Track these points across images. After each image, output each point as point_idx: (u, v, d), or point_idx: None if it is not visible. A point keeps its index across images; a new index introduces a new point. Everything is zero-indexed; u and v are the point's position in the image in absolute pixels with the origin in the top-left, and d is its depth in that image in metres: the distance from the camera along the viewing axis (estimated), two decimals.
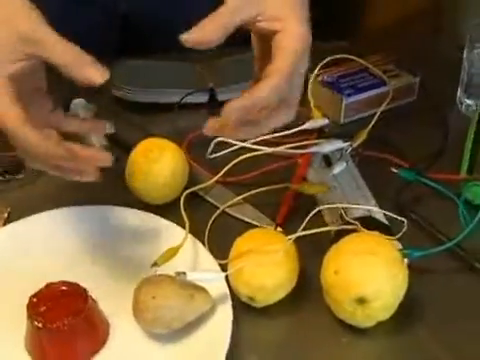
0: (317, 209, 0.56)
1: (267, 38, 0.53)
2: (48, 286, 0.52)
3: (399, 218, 0.57)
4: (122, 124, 0.76)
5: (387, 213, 0.59)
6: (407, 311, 0.54)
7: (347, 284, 0.50)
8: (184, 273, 0.51)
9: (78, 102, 0.78)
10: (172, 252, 0.53)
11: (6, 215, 0.65)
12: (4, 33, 0.50)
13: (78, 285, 0.52)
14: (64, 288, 0.52)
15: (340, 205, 0.59)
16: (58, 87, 0.73)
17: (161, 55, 0.82)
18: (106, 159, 0.51)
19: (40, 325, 0.50)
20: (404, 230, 0.55)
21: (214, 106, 0.80)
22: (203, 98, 0.79)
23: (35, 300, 0.51)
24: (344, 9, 1.51)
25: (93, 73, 0.50)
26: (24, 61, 0.50)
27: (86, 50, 0.96)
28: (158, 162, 0.62)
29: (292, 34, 0.52)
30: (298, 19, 0.54)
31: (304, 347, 0.53)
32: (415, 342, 0.53)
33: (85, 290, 0.52)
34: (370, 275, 0.49)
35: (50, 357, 0.51)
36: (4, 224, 0.63)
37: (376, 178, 0.67)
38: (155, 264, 0.52)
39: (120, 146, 0.72)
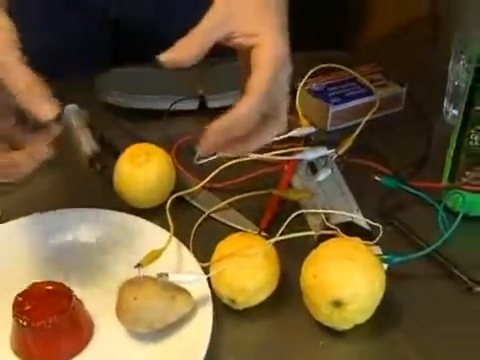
0: (297, 213, 0.58)
1: (248, 52, 0.54)
2: (34, 285, 0.53)
3: (376, 224, 0.58)
4: (113, 130, 0.78)
5: (368, 221, 0.61)
6: (385, 315, 0.55)
7: (324, 287, 0.51)
8: (166, 274, 0.52)
9: (71, 108, 0.80)
10: (156, 254, 0.55)
11: None
12: None
13: (63, 285, 0.54)
14: (49, 288, 0.53)
15: (322, 211, 0.60)
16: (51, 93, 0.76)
17: (153, 62, 0.84)
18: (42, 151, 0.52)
19: (25, 323, 0.51)
20: (380, 235, 0.56)
21: (204, 113, 0.82)
22: (193, 105, 0.81)
23: (20, 299, 0.52)
24: (345, 19, 1.54)
25: (40, 109, 0.48)
26: None
27: (77, 55, 0.97)
28: (144, 167, 0.63)
29: (267, 49, 0.53)
30: (274, 33, 0.54)
31: (283, 349, 0.54)
32: (392, 346, 0.55)
33: (70, 290, 0.53)
34: (347, 279, 0.51)
35: (35, 355, 0.53)
36: None
37: (360, 185, 0.68)
38: (139, 265, 0.53)
39: (111, 152, 0.74)
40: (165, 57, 0.52)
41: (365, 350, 0.55)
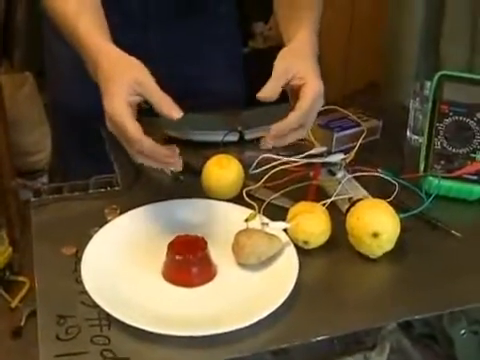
0: (345, 179, 0.89)
1: (295, 90, 0.87)
2: (178, 237, 0.81)
3: None
4: (184, 156, 1.06)
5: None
6: (400, 250, 0.86)
7: (365, 225, 0.82)
8: (267, 223, 0.81)
9: None
10: (254, 215, 0.84)
11: (118, 211, 0.93)
12: (127, 77, 0.81)
13: (198, 236, 0.82)
14: (189, 238, 0.81)
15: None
16: None
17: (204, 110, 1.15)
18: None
19: (179, 257, 0.78)
20: (390, 198, 0.88)
21: (242, 143, 1.13)
22: (235, 137, 1.11)
23: (172, 244, 0.80)
24: None
25: (171, 112, 0.80)
26: (135, 96, 0.80)
27: None
28: (227, 169, 0.93)
29: (312, 86, 0.86)
30: (315, 76, 0.88)
31: (336, 274, 0.84)
32: (406, 267, 0.85)
33: (203, 238, 0.81)
34: (379, 218, 0.82)
35: (177, 279, 0.79)
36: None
37: (364, 183, 1.00)
38: (246, 220, 0.82)
39: (186, 170, 1.02)
40: (261, 95, 0.84)
41: (390, 271, 0.85)
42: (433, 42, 1.50)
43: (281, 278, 0.79)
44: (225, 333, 0.71)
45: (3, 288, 1.99)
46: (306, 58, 0.89)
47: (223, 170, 0.93)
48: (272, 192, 0.97)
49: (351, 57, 1.80)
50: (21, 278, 2.01)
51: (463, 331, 1.12)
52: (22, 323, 1.87)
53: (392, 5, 1.58)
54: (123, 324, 0.72)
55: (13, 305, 1.94)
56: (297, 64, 0.87)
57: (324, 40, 2.06)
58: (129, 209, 0.91)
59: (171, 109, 0.80)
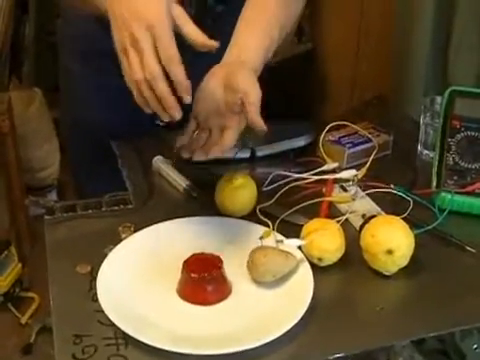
0: (358, 196, 0.90)
1: None
2: (193, 255, 0.81)
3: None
4: (196, 172, 1.06)
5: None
6: (414, 265, 0.86)
7: (380, 242, 0.82)
8: (281, 241, 0.81)
9: (158, 158, 1.09)
10: (268, 232, 0.84)
11: (132, 229, 0.93)
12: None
13: (213, 254, 0.82)
14: (204, 256, 0.81)
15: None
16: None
17: None
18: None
19: (195, 275, 0.79)
20: (405, 215, 0.88)
21: (253, 160, 1.13)
22: (246, 154, 1.12)
23: (187, 262, 0.80)
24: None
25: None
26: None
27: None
28: (240, 186, 0.93)
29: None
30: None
31: (351, 290, 0.84)
32: (420, 283, 0.85)
33: (218, 256, 0.81)
34: (394, 235, 0.82)
35: (193, 297, 0.79)
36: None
37: (376, 198, 1.00)
38: (261, 238, 0.82)
39: (199, 186, 1.03)
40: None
41: (405, 287, 0.85)
42: (442, 55, 1.50)
43: (296, 295, 0.79)
44: (241, 351, 0.71)
45: (13, 304, 1.99)
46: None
47: (236, 187, 0.93)
48: (285, 209, 0.97)
49: (359, 71, 1.80)
50: (30, 294, 2.01)
51: (475, 346, 1.11)
52: (32, 340, 1.87)
53: (400, 19, 1.59)
54: (140, 343, 0.72)
55: (23, 321, 1.94)
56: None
57: (332, 54, 2.08)
58: (143, 227, 0.92)
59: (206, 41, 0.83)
